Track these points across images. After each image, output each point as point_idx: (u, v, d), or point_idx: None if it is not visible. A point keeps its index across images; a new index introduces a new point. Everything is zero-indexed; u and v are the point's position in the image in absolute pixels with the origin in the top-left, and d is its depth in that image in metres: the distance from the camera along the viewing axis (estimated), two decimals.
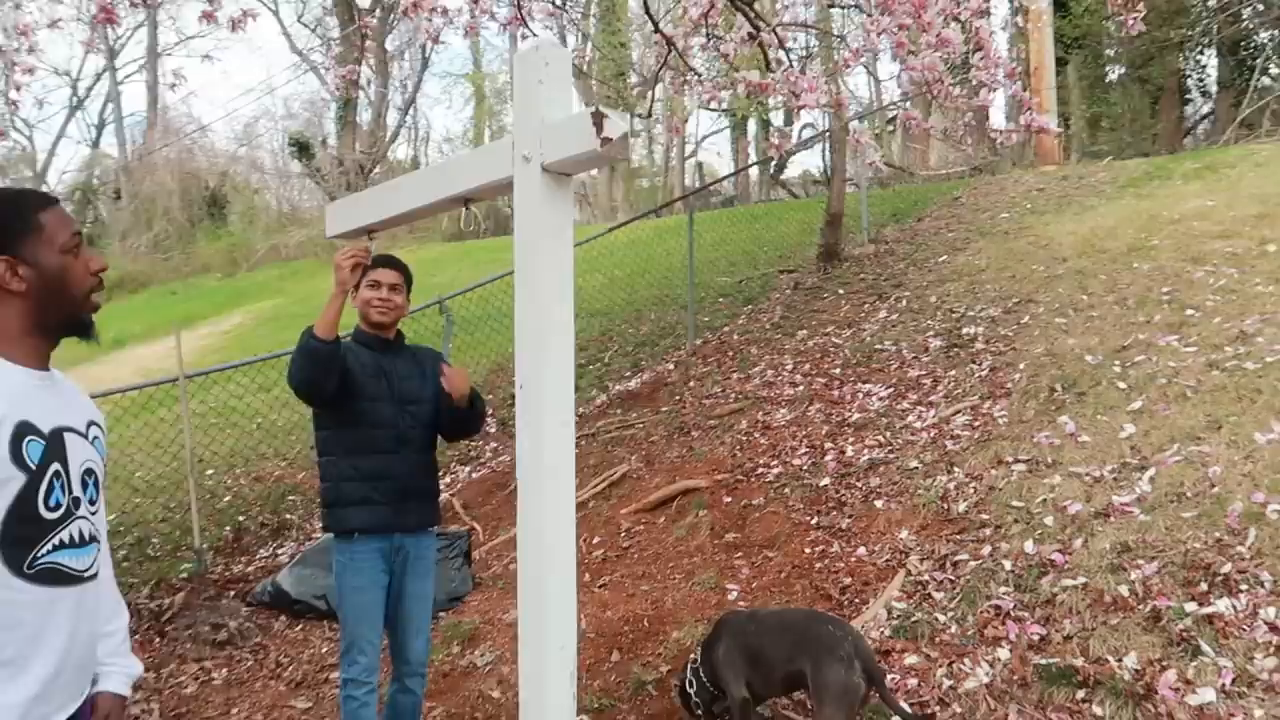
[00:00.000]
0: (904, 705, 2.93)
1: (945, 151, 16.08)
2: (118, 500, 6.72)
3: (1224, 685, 2.77)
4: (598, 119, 1.73)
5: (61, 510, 1.55)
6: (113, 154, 36.31)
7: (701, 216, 10.82)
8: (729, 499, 4.91)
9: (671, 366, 7.45)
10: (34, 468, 1.50)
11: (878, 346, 6.40)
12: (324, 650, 4.27)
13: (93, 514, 1.64)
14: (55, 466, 1.54)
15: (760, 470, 5.10)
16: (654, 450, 5.92)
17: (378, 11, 26.48)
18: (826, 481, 4.79)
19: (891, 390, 5.62)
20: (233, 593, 4.93)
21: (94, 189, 34.80)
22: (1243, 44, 18.55)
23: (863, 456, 4.92)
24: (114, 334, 16.92)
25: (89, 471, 1.63)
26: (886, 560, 3.97)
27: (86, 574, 1.61)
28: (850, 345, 6.61)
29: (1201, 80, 20.82)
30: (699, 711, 3.11)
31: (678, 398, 6.73)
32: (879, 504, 4.43)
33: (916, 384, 5.60)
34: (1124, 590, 3.26)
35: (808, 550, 4.26)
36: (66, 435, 1.58)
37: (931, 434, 4.90)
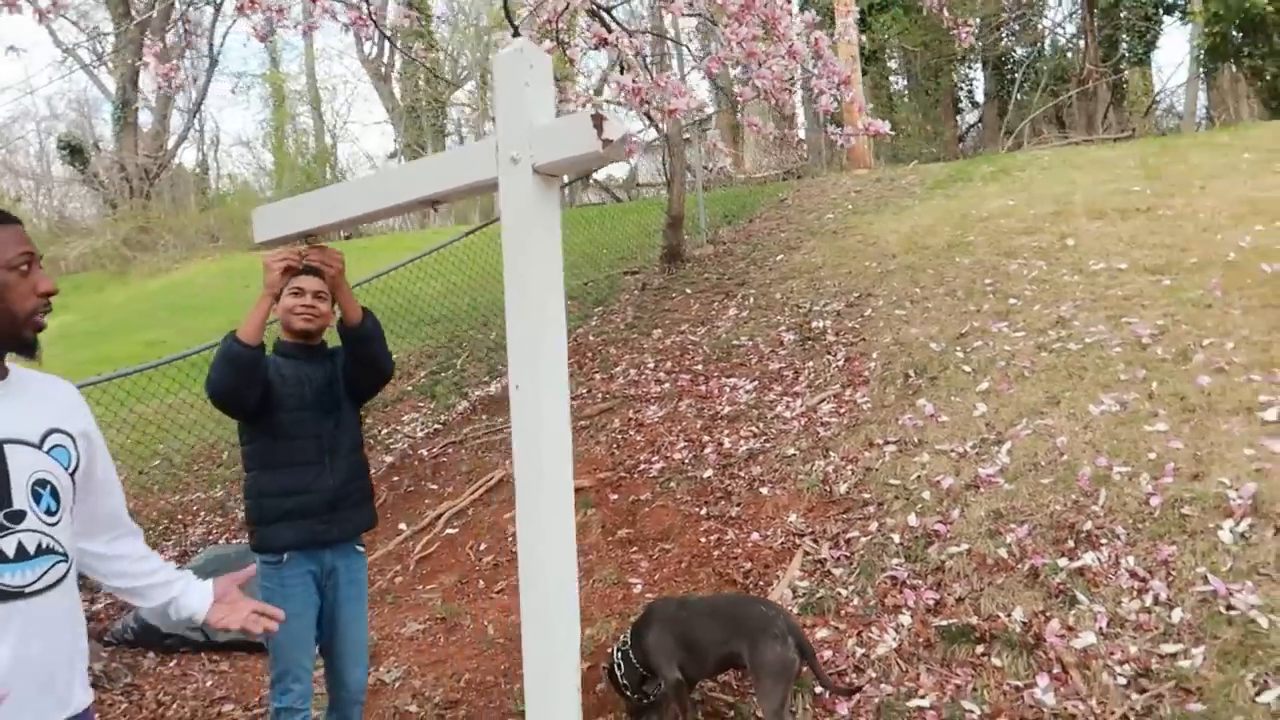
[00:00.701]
0: (828, 676, 3.12)
1: (758, 155, 16.85)
2: None
3: (1101, 628, 3.13)
4: (598, 121, 1.75)
5: None
6: None
7: None
8: (615, 496, 4.99)
9: None
10: None
11: (734, 342, 6.67)
12: (208, 684, 3.98)
13: (50, 525, 1.60)
14: None
15: (642, 466, 5.21)
16: None
17: (157, 5, 24.68)
18: (710, 473, 4.96)
19: (756, 383, 5.88)
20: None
21: None
22: (1004, 60, 20.65)
23: (740, 447, 5.13)
24: None
25: (41, 483, 1.59)
26: (781, 543, 4.18)
27: (28, 589, 1.55)
28: (708, 342, 6.85)
29: (970, 92, 23.02)
30: (628, 692, 3.18)
31: None
32: (764, 491, 4.65)
33: (779, 376, 5.89)
34: (1003, 553, 3.60)
35: (703, 540, 4.40)
36: (9, 447, 1.56)
37: (802, 422, 5.18)
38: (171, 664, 4.22)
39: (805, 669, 2.99)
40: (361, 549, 2.92)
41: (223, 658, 4.22)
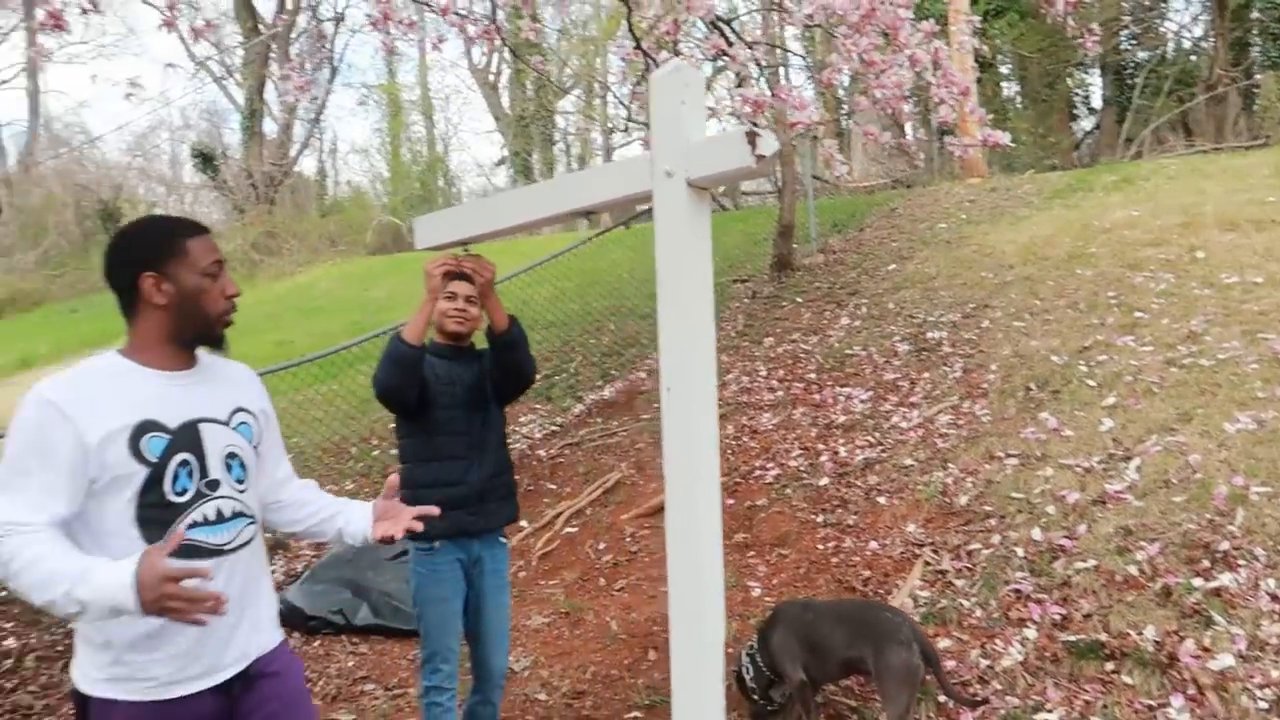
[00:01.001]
0: (954, 686, 3.13)
1: (865, 164, 16.69)
2: None
3: (1240, 651, 3.06)
4: (751, 138, 1.86)
5: (191, 494, 1.78)
6: None
7: (642, 229, 11.02)
8: (731, 501, 5.07)
9: (644, 375, 7.59)
10: (154, 461, 1.74)
11: (848, 352, 6.67)
12: (350, 664, 4.24)
13: (240, 492, 1.87)
14: (182, 457, 1.77)
15: (757, 472, 5.28)
16: (643, 457, 6.04)
17: (281, 19, 25.92)
18: (826, 481, 5.00)
19: (871, 393, 5.88)
20: None
21: None
22: (1124, 64, 19.87)
23: (857, 456, 5.15)
24: (19, 355, 16.12)
25: (231, 455, 1.86)
26: (901, 552, 4.19)
27: (227, 548, 1.83)
28: (820, 351, 6.87)
29: (1087, 98, 22.23)
30: (755, 696, 3.25)
31: (656, 405, 6.84)
32: (882, 500, 4.67)
33: (894, 386, 5.88)
34: (1133, 570, 3.54)
35: (820, 546, 4.45)
36: (202, 426, 1.82)
37: (919, 433, 5.17)
38: (315, 644, 4.51)
39: (929, 677, 3.02)
40: (505, 541, 3.08)
41: (362, 640, 4.48)
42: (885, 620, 3.02)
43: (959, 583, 3.85)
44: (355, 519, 2.09)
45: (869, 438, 5.33)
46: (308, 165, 32.43)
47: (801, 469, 5.22)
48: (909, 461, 4.91)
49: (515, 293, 9.29)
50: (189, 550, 1.73)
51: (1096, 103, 21.66)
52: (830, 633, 3.11)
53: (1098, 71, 20.61)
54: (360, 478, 7.16)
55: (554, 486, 6.09)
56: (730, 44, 5.85)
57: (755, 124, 5.85)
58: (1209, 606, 3.26)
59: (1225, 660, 3.04)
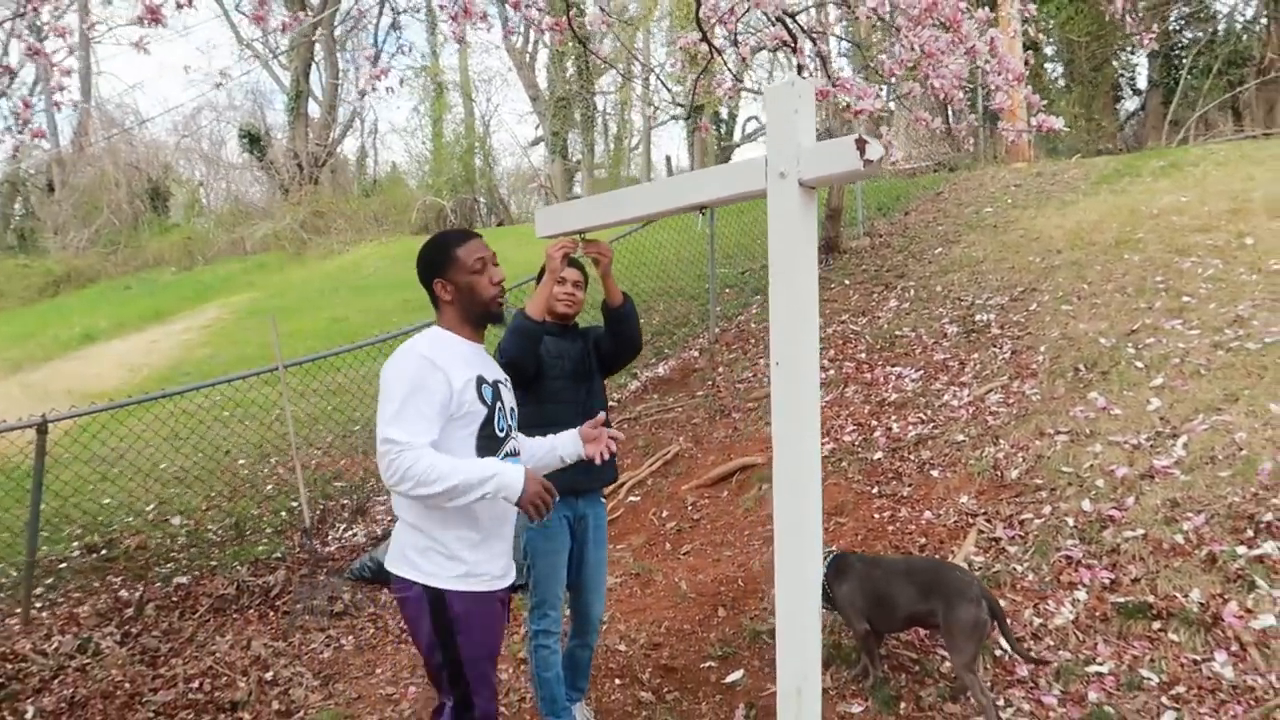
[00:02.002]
0: (1016, 641, 3.39)
1: (909, 147, 16.75)
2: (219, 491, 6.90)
3: None
4: (861, 144, 2.12)
5: (505, 432, 2.45)
6: (43, 144, 35.19)
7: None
8: None
9: (696, 354, 7.87)
10: (489, 404, 2.39)
11: (897, 333, 6.91)
12: None
13: (514, 437, 2.53)
14: (498, 404, 2.43)
15: None
16: (700, 431, 6.33)
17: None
18: (879, 455, 5.26)
19: (921, 372, 6.12)
20: (323, 571, 5.20)
21: (23, 180, 33.60)
22: (1171, 45, 19.63)
23: (909, 432, 5.41)
24: (81, 330, 16.70)
25: (513, 409, 2.54)
26: (955, 521, 4.45)
27: None
28: (869, 332, 7.11)
29: (1132, 79, 21.99)
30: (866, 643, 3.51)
31: (710, 383, 7.15)
32: (935, 473, 4.92)
33: (944, 366, 6.11)
34: (1179, 539, 3.78)
35: (876, 516, 4.72)
36: (500, 385, 2.50)
37: (970, 411, 5.41)
38: None
39: (994, 631, 3.29)
40: (604, 500, 3.39)
41: None
42: (956, 578, 3.27)
43: (1012, 549, 4.10)
44: (567, 445, 2.68)
45: (920, 415, 5.58)
46: (349, 145, 32.96)
47: (856, 444, 5.48)
48: (960, 437, 5.15)
49: None
50: None
51: (1141, 84, 21.48)
52: (900, 588, 3.35)
53: (1144, 53, 20.41)
54: None
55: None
56: (794, 36, 6.07)
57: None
58: (1252, 572, 3.49)
59: (1267, 620, 3.28)
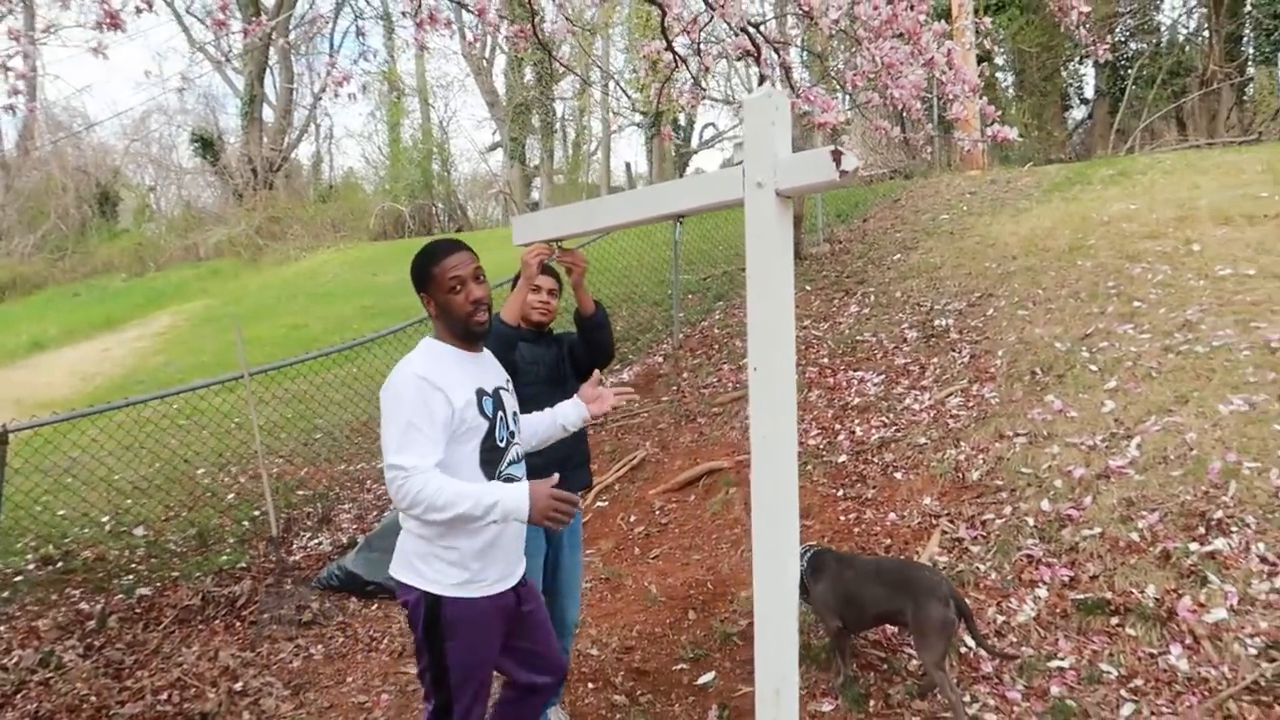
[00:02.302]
0: (984, 638, 3.48)
1: (866, 154, 16.99)
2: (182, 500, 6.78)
3: (1231, 606, 3.43)
4: (837, 156, 2.18)
5: (506, 441, 2.48)
6: None
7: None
8: None
9: (661, 360, 7.92)
10: (490, 416, 2.42)
11: (858, 338, 7.02)
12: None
13: (518, 441, 2.57)
14: (499, 413, 2.46)
15: None
16: (666, 436, 6.38)
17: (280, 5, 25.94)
18: (844, 458, 5.35)
19: (883, 377, 6.23)
20: (289, 580, 5.15)
21: None
22: (1118, 55, 20.18)
23: (872, 436, 5.51)
24: (29, 337, 16.31)
25: (515, 414, 2.57)
26: (918, 523, 4.55)
27: (521, 480, 2.50)
28: (831, 337, 7.22)
29: (1080, 88, 22.56)
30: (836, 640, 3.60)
31: (675, 388, 7.21)
32: (898, 476, 5.02)
33: (905, 371, 6.23)
34: (1135, 536, 3.91)
35: (842, 518, 4.80)
36: (501, 392, 2.52)
37: (931, 414, 5.52)
38: (374, 607, 4.84)
39: (962, 630, 3.37)
40: (580, 505, 3.42)
41: None
42: (925, 578, 3.33)
43: (974, 549, 4.21)
44: (569, 413, 2.78)
45: (883, 418, 5.69)
46: (304, 151, 32.54)
47: (820, 447, 5.57)
48: (922, 440, 5.26)
49: None
50: (509, 481, 2.44)
51: (1089, 94, 22.04)
52: (870, 588, 3.41)
53: (1091, 63, 20.93)
54: None
55: None
56: (758, 47, 6.16)
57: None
58: (1204, 568, 3.62)
59: (1219, 614, 3.41)
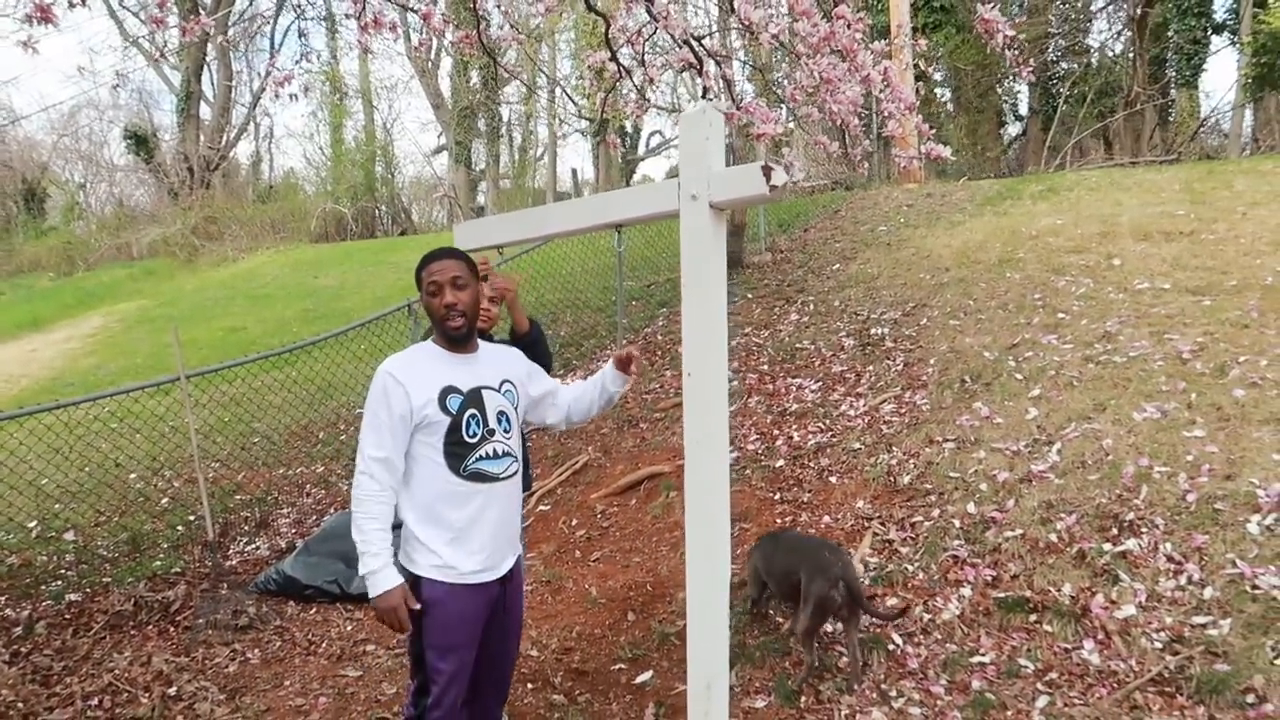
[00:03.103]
0: (877, 608, 3.75)
1: (806, 166, 17.30)
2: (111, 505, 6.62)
3: (1140, 602, 3.61)
4: (766, 171, 2.28)
5: (478, 437, 2.59)
6: None
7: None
8: None
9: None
10: (454, 413, 2.55)
11: (798, 345, 7.18)
12: (349, 628, 4.57)
13: (507, 438, 2.67)
14: (471, 411, 2.58)
15: None
16: (608, 441, 6.46)
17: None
18: (781, 463, 5.48)
19: (820, 384, 6.39)
20: (225, 584, 5.10)
21: None
22: (1050, 75, 20.88)
23: (809, 441, 5.65)
24: None
25: (502, 413, 2.66)
26: (851, 525, 4.69)
27: (502, 476, 2.65)
28: (771, 344, 7.36)
29: (1015, 105, 23.27)
30: (751, 607, 4.04)
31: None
32: (833, 480, 5.16)
33: (842, 378, 6.40)
34: (1053, 537, 4.09)
35: (779, 520, 4.92)
36: (484, 391, 2.63)
37: (866, 420, 5.68)
38: (312, 611, 4.82)
39: (852, 612, 3.55)
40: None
41: (357, 608, 4.81)
42: (823, 558, 3.59)
43: (904, 550, 4.35)
44: (611, 378, 2.89)
45: (820, 424, 5.83)
46: (243, 150, 31.95)
47: (759, 452, 5.69)
48: (857, 445, 5.42)
49: None
50: (477, 475, 2.58)
51: (1024, 111, 22.74)
52: (784, 560, 3.74)
53: (1024, 82, 21.58)
54: (330, 460, 7.42)
55: None
56: (700, 59, 6.28)
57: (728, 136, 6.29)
58: (1116, 566, 3.81)
59: (1128, 610, 3.59)
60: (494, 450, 2.63)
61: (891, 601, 4.03)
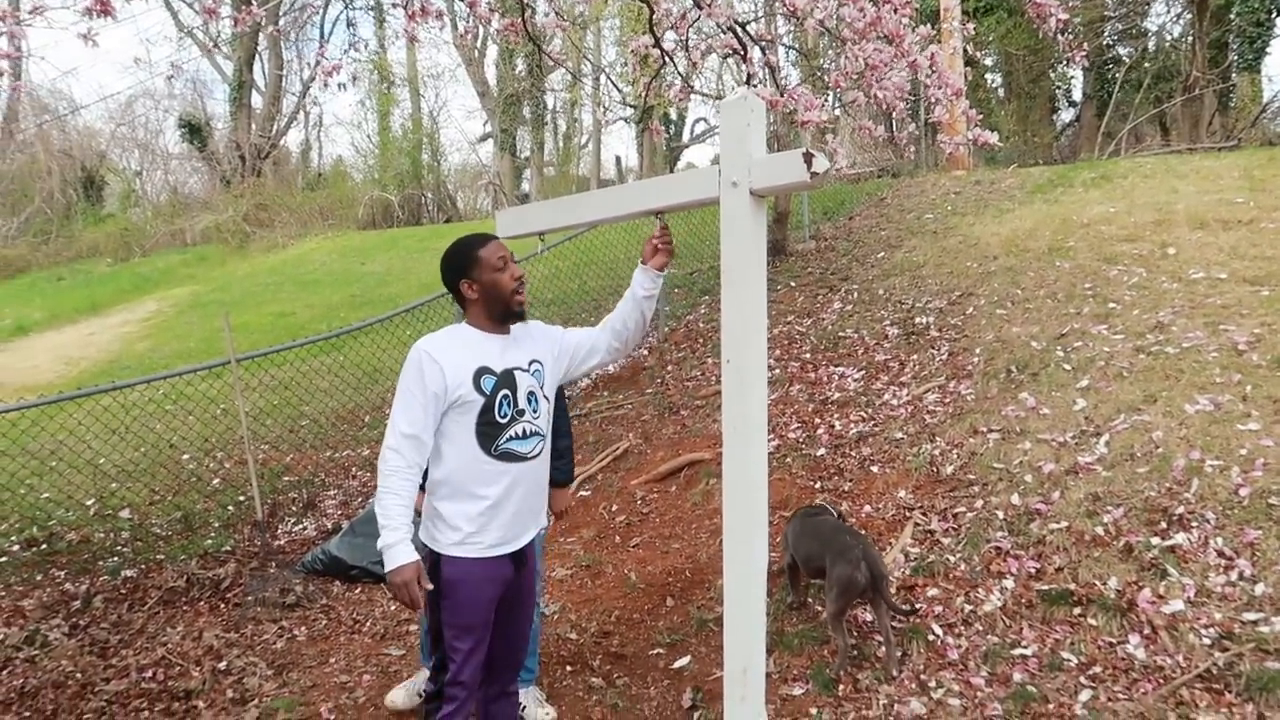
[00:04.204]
0: (895, 601, 3.75)
1: (853, 153, 17.11)
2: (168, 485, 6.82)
3: (1189, 598, 3.55)
4: (808, 158, 2.27)
5: (509, 417, 2.62)
6: None
7: None
8: None
9: (645, 353, 8.01)
10: (488, 393, 2.59)
11: (840, 334, 7.13)
12: (392, 608, 4.66)
13: (535, 418, 2.70)
14: (504, 392, 2.62)
15: None
16: (649, 428, 6.48)
17: None
18: (822, 452, 5.46)
19: (863, 372, 6.34)
20: (274, 563, 5.22)
21: None
22: (1105, 59, 20.36)
23: (851, 430, 5.61)
24: (13, 321, 16.26)
25: (531, 394, 2.69)
26: (893, 515, 4.66)
27: (530, 455, 2.69)
28: (814, 333, 7.32)
29: (1068, 91, 22.74)
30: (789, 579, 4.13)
31: (659, 380, 7.30)
32: (875, 469, 5.13)
33: (885, 367, 6.34)
34: (1100, 530, 4.02)
35: None
36: (515, 372, 2.66)
37: (909, 410, 5.63)
38: (357, 591, 4.92)
39: (878, 594, 3.58)
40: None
41: None
42: (844, 541, 3.66)
43: (945, 541, 4.32)
44: (639, 279, 2.83)
45: (862, 413, 5.79)
46: (292, 138, 32.43)
47: (800, 440, 5.67)
48: (899, 435, 5.37)
49: None
50: (507, 455, 2.62)
51: (1077, 96, 22.22)
52: (809, 542, 3.84)
53: (1079, 66, 21.07)
54: (375, 444, 7.54)
55: None
56: (744, 45, 6.24)
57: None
58: (1164, 561, 3.74)
59: (1176, 605, 3.53)
60: (523, 430, 2.65)
61: (932, 592, 4.00)
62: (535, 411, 2.69)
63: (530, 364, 2.72)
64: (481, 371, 2.59)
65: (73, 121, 31.26)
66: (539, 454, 2.72)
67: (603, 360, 2.95)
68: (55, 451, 7.05)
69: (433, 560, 2.59)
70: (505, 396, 2.61)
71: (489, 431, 2.59)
